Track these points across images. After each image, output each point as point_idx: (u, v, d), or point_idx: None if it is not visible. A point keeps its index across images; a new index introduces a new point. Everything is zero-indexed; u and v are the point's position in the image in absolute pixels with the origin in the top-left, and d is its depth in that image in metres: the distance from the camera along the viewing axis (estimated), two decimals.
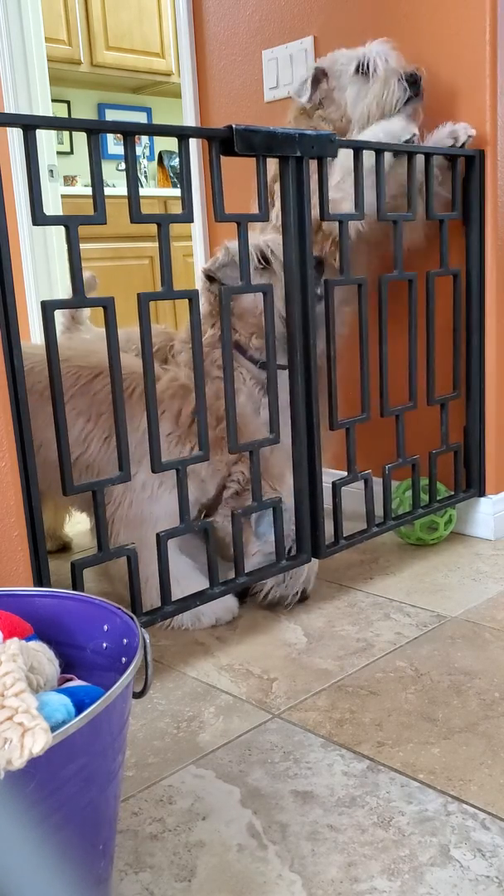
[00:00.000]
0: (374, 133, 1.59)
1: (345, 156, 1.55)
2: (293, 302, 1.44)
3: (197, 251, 2.33)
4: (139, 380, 1.45)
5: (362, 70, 1.66)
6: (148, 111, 4.58)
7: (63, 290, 3.08)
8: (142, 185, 4.34)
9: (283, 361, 1.49)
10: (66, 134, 4.21)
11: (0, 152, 2.95)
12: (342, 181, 1.60)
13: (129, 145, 1.19)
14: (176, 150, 3.45)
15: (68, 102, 4.27)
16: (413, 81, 1.64)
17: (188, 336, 1.56)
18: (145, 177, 4.56)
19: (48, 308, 1.14)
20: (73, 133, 4.17)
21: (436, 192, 1.65)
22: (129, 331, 1.67)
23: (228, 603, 1.53)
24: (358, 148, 1.48)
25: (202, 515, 1.58)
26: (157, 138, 4.60)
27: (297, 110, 1.76)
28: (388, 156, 1.57)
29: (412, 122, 1.61)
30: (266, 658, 1.40)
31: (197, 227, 2.31)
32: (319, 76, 1.70)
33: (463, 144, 1.64)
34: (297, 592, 1.56)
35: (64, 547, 2.03)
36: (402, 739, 1.14)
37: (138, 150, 4.53)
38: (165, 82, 4.31)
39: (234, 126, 1.28)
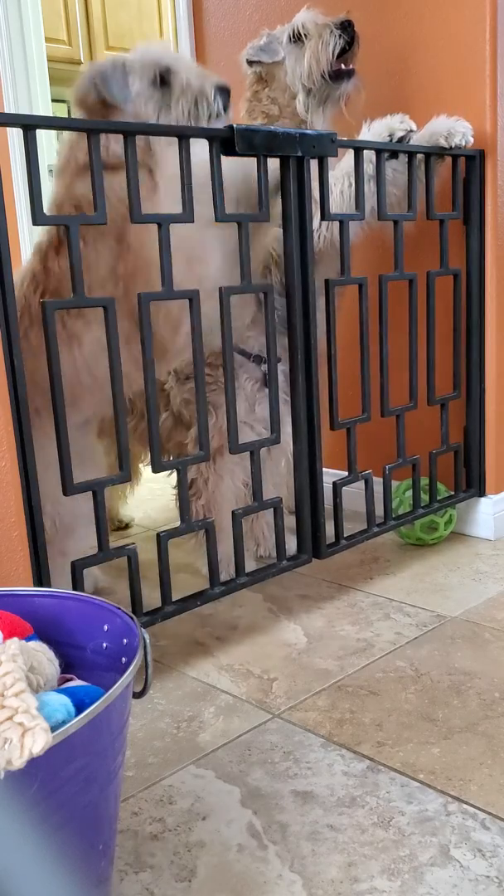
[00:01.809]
0: (375, 131, 1.59)
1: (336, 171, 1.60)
2: (294, 300, 1.44)
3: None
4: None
5: (295, 37, 1.65)
6: None
7: None
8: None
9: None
10: (66, 134, 4.20)
11: (0, 152, 2.95)
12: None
13: (130, 145, 1.19)
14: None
15: (68, 102, 4.26)
16: (346, 27, 1.61)
17: None
18: None
19: (48, 308, 1.14)
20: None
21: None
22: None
23: None
24: (358, 148, 1.48)
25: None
26: None
27: (249, 98, 1.74)
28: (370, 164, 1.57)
29: (409, 120, 1.60)
30: (266, 658, 1.40)
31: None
32: (273, 41, 1.68)
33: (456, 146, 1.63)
34: None
35: (125, 526, 2.09)
36: (402, 739, 1.14)
37: None
38: None
39: (234, 126, 1.28)
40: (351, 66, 1.62)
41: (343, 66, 1.62)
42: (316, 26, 1.63)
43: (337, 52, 1.60)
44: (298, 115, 1.66)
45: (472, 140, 1.64)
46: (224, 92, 1.31)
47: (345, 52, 1.62)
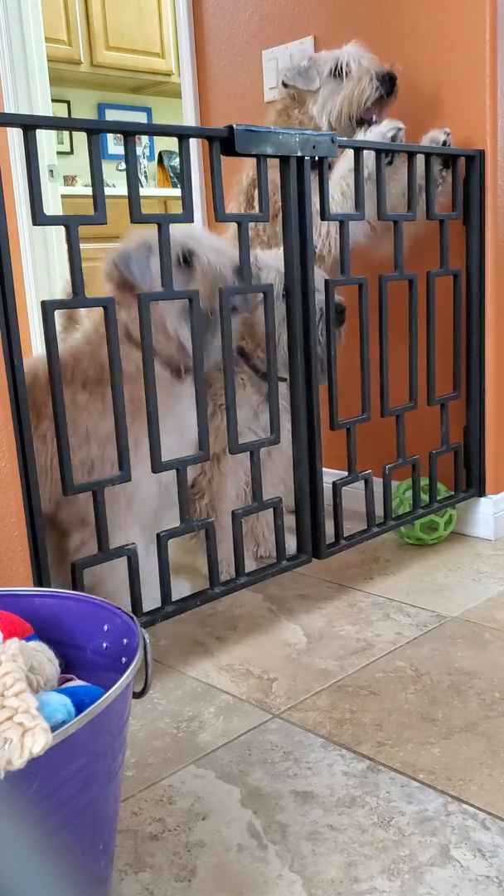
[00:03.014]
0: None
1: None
2: (293, 299, 1.44)
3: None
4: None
5: (336, 72, 1.67)
6: (148, 111, 4.58)
7: (62, 290, 3.08)
8: (142, 185, 4.34)
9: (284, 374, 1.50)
10: (66, 134, 4.21)
11: (0, 152, 2.95)
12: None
13: (129, 145, 1.19)
14: (176, 150, 3.45)
15: (68, 102, 4.27)
16: (387, 80, 1.63)
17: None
18: (145, 177, 4.56)
19: (48, 308, 1.14)
20: (73, 133, 4.17)
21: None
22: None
23: None
24: (358, 148, 1.48)
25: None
26: (157, 138, 4.60)
27: (279, 110, 1.76)
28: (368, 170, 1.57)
29: (397, 121, 1.61)
30: (266, 658, 1.40)
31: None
32: (313, 67, 1.70)
33: (444, 143, 1.65)
34: None
35: None
36: (402, 739, 1.14)
37: (138, 150, 4.52)
38: (165, 82, 4.31)
39: (234, 126, 1.28)
40: (381, 118, 1.64)
41: (374, 115, 1.64)
42: (359, 68, 1.65)
43: (371, 101, 1.62)
44: None
45: (448, 135, 1.65)
46: (240, 271, 1.38)
47: (380, 100, 1.64)
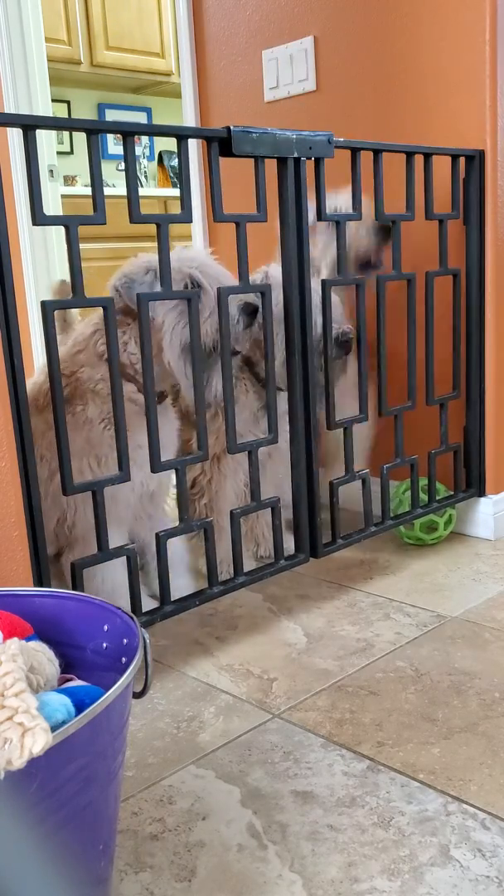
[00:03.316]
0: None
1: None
2: (291, 303, 1.44)
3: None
4: None
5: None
6: (148, 111, 4.58)
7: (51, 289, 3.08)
8: (142, 185, 4.34)
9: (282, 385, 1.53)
10: (66, 134, 4.21)
11: (0, 152, 2.95)
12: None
13: (129, 145, 1.19)
14: (176, 150, 3.46)
15: (68, 102, 4.27)
16: (382, 230, 1.65)
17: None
18: (145, 177, 4.56)
19: (48, 308, 1.14)
20: (73, 133, 4.17)
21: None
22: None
23: None
24: (356, 149, 1.48)
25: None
26: (157, 138, 4.60)
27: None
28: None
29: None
30: (266, 658, 1.40)
31: (196, 228, 2.31)
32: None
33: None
34: None
35: None
36: (402, 739, 1.14)
37: (138, 150, 4.53)
38: (165, 82, 4.31)
39: (231, 127, 1.28)
40: (378, 259, 1.65)
41: (373, 257, 1.66)
42: (356, 236, 1.67)
43: (370, 250, 1.62)
44: None
45: None
46: (247, 309, 1.42)
47: (378, 246, 1.66)
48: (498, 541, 1.88)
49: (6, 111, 2.99)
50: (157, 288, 1.35)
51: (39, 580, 1.19)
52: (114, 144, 4.46)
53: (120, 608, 0.90)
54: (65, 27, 3.88)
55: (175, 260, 1.37)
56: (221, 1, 2.13)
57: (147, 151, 4.60)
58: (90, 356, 1.41)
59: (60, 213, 3.21)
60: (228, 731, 1.19)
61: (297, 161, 1.39)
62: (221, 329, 1.34)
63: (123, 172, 4.24)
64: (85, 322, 1.47)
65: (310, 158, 1.40)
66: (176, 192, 4.26)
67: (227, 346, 1.35)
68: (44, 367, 1.44)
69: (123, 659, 0.86)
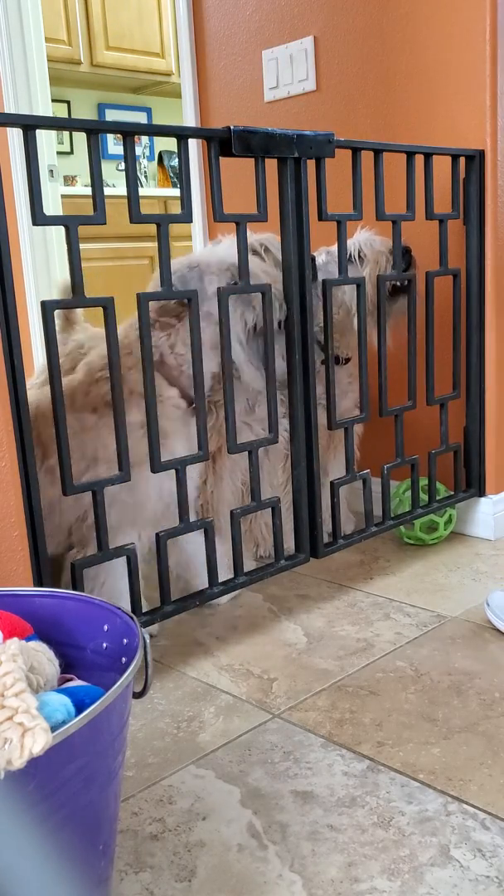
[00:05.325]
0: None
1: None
2: (291, 301, 1.44)
3: (196, 251, 2.33)
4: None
5: (352, 259, 1.70)
6: (148, 111, 4.58)
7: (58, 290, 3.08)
8: (142, 185, 4.34)
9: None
10: (66, 134, 4.21)
11: (0, 152, 2.95)
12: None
13: (129, 145, 1.19)
14: (176, 150, 3.45)
15: (68, 102, 4.27)
16: (403, 254, 1.65)
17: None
18: (145, 177, 4.56)
19: (48, 308, 1.14)
20: (73, 133, 4.17)
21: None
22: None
23: None
24: (357, 149, 1.48)
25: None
26: (157, 138, 4.60)
27: None
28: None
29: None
30: (266, 658, 1.40)
31: (196, 227, 2.31)
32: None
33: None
34: None
35: None
36: (402, 739, 1.14)
37: (138, 150, 4.53)
38: (165, 82, 4.31)
39: (231, 127, 1.28)
40: (406, 282, 1.65)
41: (398, 283, 1.66)
42: (373, 252, 1.68)
43: (400, 277, 1.64)
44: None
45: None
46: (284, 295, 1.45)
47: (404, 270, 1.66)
48: (498, 541, 1.88)
49: (6, 111, 2.99)
50: (211, 285, 1.38)
51: (39, 580, 1.19)
52: (114, 144, 4.46)
53: (120, 608, 0.90)
54: (65, 27, 3.88)
55: (213, 256, 1.42)
56: (221, 1, 2.13)
57: (147, 151, 4.60)
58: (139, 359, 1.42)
59: (60, 213, 3.21)
60: (228, 731, 1.19)
61: (297, 161, 1.39)
62: (223, 331, 1.34)
63: (123, 172, 4.21)
64: (130, 324, 1.44)
65: (310, 158, 1.40)
66: (176, 192, 4.26)
67: (228, 349, 1.35)
68: (84, 366, 1.44)
69: (123, 659, 0.86)
